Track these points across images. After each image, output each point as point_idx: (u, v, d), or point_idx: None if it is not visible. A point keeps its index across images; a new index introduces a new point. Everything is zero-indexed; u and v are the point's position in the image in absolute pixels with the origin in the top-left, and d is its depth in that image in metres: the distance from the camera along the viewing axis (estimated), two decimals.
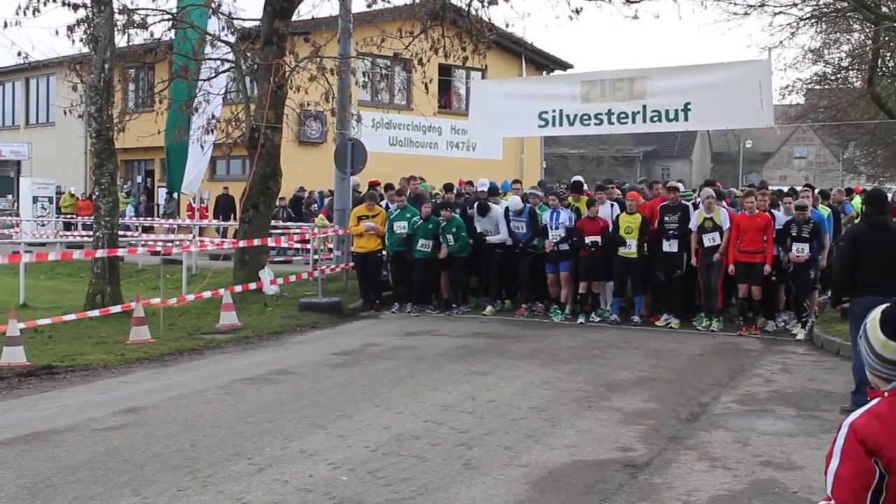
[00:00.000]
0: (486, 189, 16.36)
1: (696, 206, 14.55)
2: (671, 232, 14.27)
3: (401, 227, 16.03)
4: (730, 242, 13.74)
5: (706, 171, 63.68)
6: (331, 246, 19.34)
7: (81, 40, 15.84)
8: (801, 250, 13.42)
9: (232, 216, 27.58)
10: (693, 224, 14.15)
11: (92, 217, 16.43)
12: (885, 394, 2.82)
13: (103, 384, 10.32)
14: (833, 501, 2.72)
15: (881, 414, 2.77)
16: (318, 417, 8.61)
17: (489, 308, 16.06)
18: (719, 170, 65.22)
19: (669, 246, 14.32)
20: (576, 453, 7.48)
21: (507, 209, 15.75)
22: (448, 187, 17.49)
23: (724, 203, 14.63)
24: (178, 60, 17.98)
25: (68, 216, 31.46)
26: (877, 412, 2.78)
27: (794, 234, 13.50)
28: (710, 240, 13.96)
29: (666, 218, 14.41)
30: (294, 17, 17.97)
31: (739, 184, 44.40)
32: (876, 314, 2.93)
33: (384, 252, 16.50)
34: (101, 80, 14.72)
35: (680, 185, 15.66)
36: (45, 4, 15.81)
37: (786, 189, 18.11)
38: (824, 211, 15.10)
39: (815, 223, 13.60)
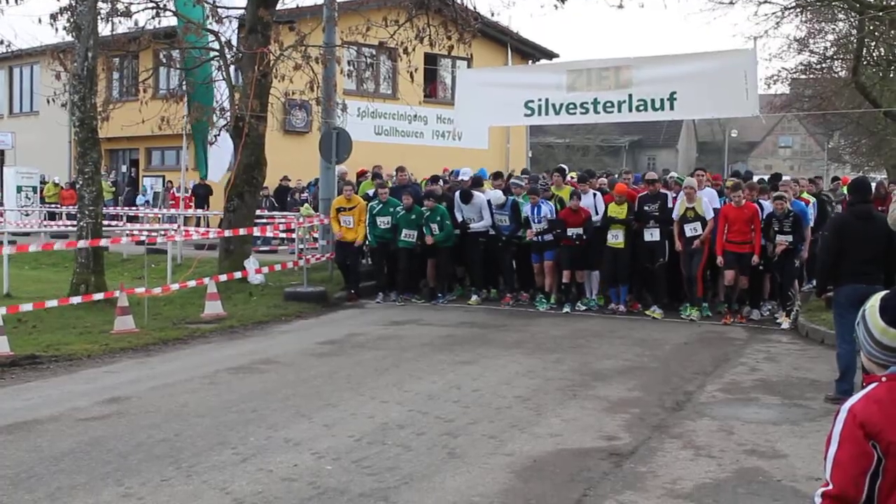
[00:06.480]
0: (468, 177, 16.30)
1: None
2: (653, 217, 14.23)
3: (384, 222, 15.97)
4: (713, 233, 13.74)
5: (692, 160, 63.94)
6: (316, 235, 19.25)
7: (65, 29, 15.75)
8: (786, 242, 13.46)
9: (206, 206, 27.60)
10: (675, 214, 14.16)
11: (76, 206, 16.31)
12: (883, 378, 2.81)
13: (87, 374, 10.28)
14: (831, 486, 2.72)
15: (880, 398, 2.76)
16: (302, 407, 8.60)
17: (475, 297, 16.05)
18: (705, 159, 65.42)
19: (651, 235, 14.32)
20: (560, 442, 7.48)
21: (489, 202, 15.71)
22: (434, 179, 17.45)
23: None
24: (188, 40, 17.56)
25: (52, 205, 31.28)
26: (875, 396, 2.78)
27: (776, 229, 13.47)
28: (691, 230, 13.96)
29: (646, 207, 14.39)
30: (279, 6, 17.90)
31: (725, 173, 44.48)
32: (875, 301, 2.91)
33: (366, 243, 16.45)
34: (84, 69, 14.60)
35: (675, 174, 15.61)
36: None
37: (768, 177, 18.17)
38: (808, 198, 15.14)
39: (795, 216, 13.59)
